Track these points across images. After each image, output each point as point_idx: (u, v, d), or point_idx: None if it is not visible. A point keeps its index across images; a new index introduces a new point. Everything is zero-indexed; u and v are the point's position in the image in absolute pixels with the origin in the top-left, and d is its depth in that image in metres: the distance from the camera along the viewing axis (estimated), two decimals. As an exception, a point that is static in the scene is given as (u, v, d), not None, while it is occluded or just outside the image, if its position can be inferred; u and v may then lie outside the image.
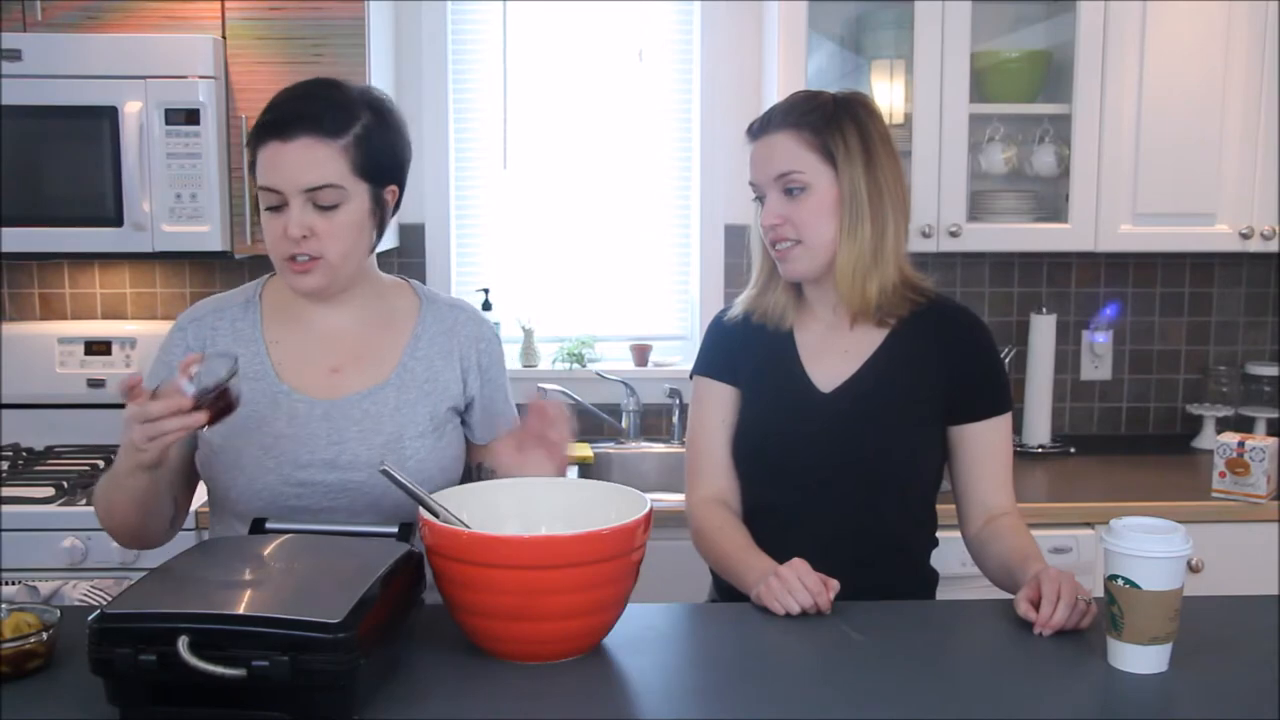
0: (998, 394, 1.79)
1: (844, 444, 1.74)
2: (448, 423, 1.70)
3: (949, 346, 1.78)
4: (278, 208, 1.58)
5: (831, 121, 1.72)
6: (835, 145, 1.71)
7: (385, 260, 3.12)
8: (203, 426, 1.44)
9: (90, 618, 1.19)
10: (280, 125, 1.57)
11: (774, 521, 1.77)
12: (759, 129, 1.77)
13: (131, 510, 1.59)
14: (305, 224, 1.56)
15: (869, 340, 1.78)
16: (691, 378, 1.90)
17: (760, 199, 1.78)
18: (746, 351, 1.83)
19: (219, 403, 1.45)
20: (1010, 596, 1.67)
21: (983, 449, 1.77)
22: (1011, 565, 1.65)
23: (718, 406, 1.83)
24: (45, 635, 1.34)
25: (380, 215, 1.66)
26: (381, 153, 1.62)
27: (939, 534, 1.86)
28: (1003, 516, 1.76)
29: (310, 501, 1.62)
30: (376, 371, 1.68)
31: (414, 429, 1.66)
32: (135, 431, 1.42)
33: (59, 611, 1.39)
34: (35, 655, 1.33)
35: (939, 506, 1.84)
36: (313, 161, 1.56)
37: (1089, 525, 2.57)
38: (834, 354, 1.79)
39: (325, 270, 1.60)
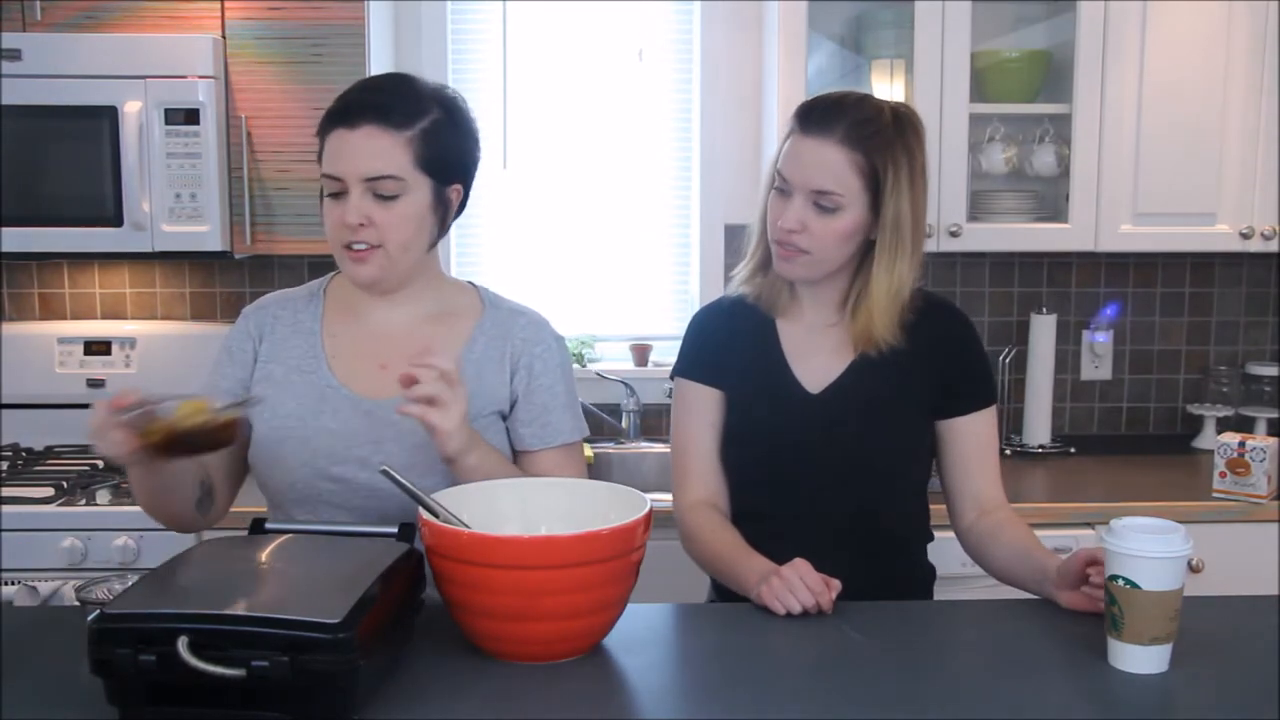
0: (983, 387, 1.80)
1: (834, 446, 1.74)
2: (488, 429, 1.66)
3: (934, 342, 1.77)
4: (338, 195, 1.60)
5: (888, 149, 1.66)
6: (885, 174, 1.66)
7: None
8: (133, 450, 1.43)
9: (90, 618, 1.19)
10: (347, 113, 1.59)
11: (765, 524, 1.76)
12: (814, 127, 1.68)
13: (142, 495, 1.63)
14: (363, 212, 1.58)
15: (857, 344, 1.77)
16: (672, 378, 1.88)
17: (783, 190, 1.71)
18: (730, 351, 1.81)
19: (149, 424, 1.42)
20: (1012, 592, 1.68)
21: (970, 442, 1.77)
22: (1030, 552, 1.66)
23: (702, 409, 1.81)
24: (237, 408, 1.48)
25: (442, 212, 1.66)
26: (448, 150, 1.64)
27: (938, 533, 1.86)
28: (999, 510, 1.76)
29: (343, 499, 1.63)
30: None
31: None
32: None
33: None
34: (229, 426, 1.45)
35: (932, 506, 1.84)
36: (375, 151, 1.57)
37: (1089, 525, 2.56)
38: (820, 353, 1.78)
39: (382, 260, 1.61)
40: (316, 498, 1.64)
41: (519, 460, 1.71)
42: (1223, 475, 2.61)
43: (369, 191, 1.58)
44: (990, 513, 1.76)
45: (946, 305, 1.83)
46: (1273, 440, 2.60)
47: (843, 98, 1.72)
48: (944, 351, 1.77)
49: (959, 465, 1.78)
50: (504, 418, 1.70)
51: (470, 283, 1.79)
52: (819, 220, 1.68)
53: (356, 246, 1.60)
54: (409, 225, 1.61)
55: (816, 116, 1.69)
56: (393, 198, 1.59)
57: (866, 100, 1.72)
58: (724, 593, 1.77)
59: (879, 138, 1.67)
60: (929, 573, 1.86)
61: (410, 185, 1.60)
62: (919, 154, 1.71)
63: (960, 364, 1.78)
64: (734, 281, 1.85)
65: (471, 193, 1.74)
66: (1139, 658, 1.36)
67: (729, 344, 1.81)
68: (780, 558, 1.61)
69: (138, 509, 2.49)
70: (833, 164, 1.66)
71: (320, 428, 1.64)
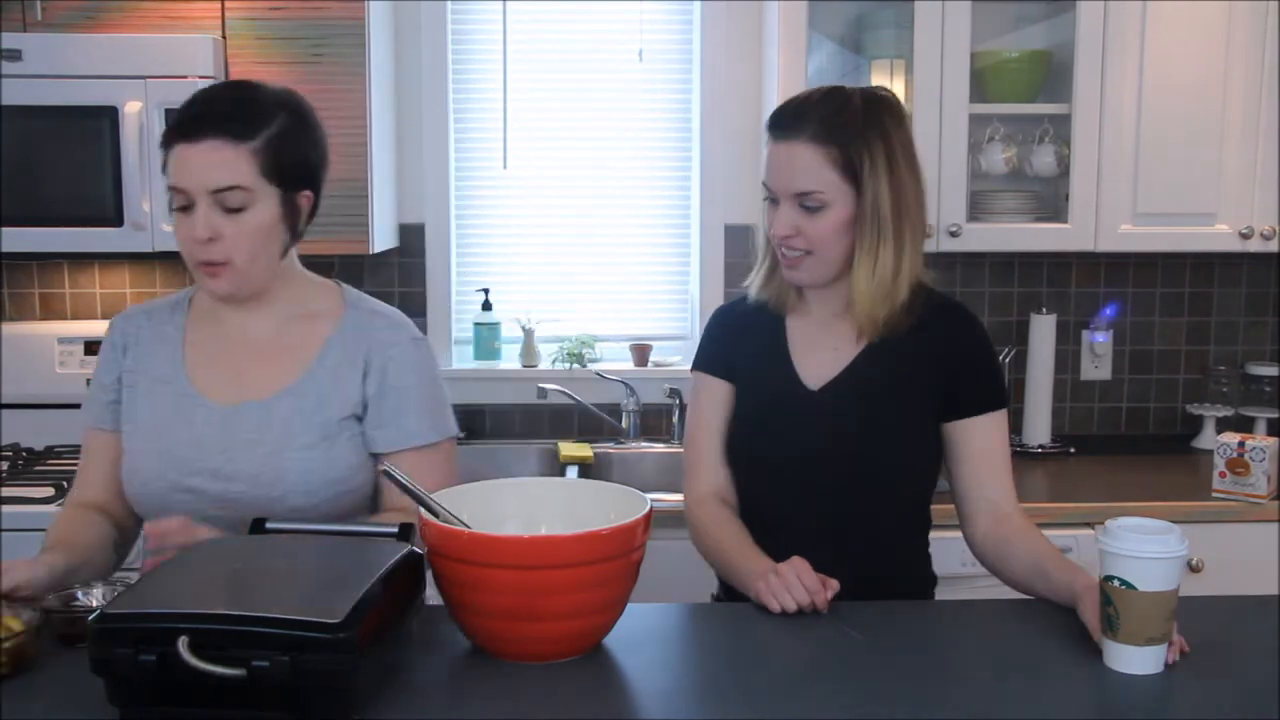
0: (993, 389, 1.77)
1: (829, 442, 1.73)
2: (342, 432, 1.66)
3: (942, 342, 1.76)
4: (186, 209, 1.59)
5: (859, 137, 1.65)
6: (861, 163, 1.65)
7: (385, 260, 3.12)
8: None
9: (90, 617, 1.20)
10: (187, 126, 1.58)
11: (764, 518, 1.76)
12: (783, 131, 1.69)
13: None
14: (211, 226, 1.57)
15: (859, 337, 1.77)
16: (692, 372, 1.89)
17: (772, 200, 1.72)
18: (742, 346, 1.82)
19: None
20: (1011, 593, 1.68)
21: (980, 446, 1.75)
22: (1046, 567, 1.61)
23: (713, 402, 1.82)
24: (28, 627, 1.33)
25: (293, 220, 1.65)
26: (295, 157, 1.63)
27: (940, 534, 1.84)
28: (1012, 517, 1.73)
29: (195, 510, 1.60)
30: (281, 377, 1.67)
31: (301, 440, 1.64)
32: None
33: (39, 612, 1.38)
34: (24, 654, 1.33)
35: (935, 507, 1.83)
36: (219, 163, 1.56)
37: (1089, 525, 2.56)
38: (824, 350, 1.77)
39: (233, 275, 1.61)
40: (172, 509, 1.60)
41: (379, 463, 1.66)
42: (1222, 475, 2.61)
43: (216, 204, 1.57)
44: (1003, 521, 1.72)
45: (955, 306, 1.83)
46: (1272, 440, 2.60)
47: (808, 96, 1.72)
48: (951, 352, 1.76)
49: (969, 470, 1.75)
50: (359, 420, 1.69)
51: (336, 281, 1.78)
52: (809, 221, 1.68)
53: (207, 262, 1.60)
54: (257, 237, 1.60)
55: (785, 120, 1.70)
56: (239, 210, 1.58)
57: (833, 93, 1.72)
58: (730, 591, 1.77)
59: (849, 127, 1.66)
60: (928, 580, 1.84)
61: (257, 195, 1.58)
62: (895, 136, 1.69)
63: (967, 365, 1.76)
64: (750, 290, 1.84)
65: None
66: (1135, 658, 1.36)
67: (741, 339, 1.82)
68: (779, 554, 1.61)
69: (137, 509, 2.52)
70: (808, 164, 1.66)
71: (175, 439, 1.64)
